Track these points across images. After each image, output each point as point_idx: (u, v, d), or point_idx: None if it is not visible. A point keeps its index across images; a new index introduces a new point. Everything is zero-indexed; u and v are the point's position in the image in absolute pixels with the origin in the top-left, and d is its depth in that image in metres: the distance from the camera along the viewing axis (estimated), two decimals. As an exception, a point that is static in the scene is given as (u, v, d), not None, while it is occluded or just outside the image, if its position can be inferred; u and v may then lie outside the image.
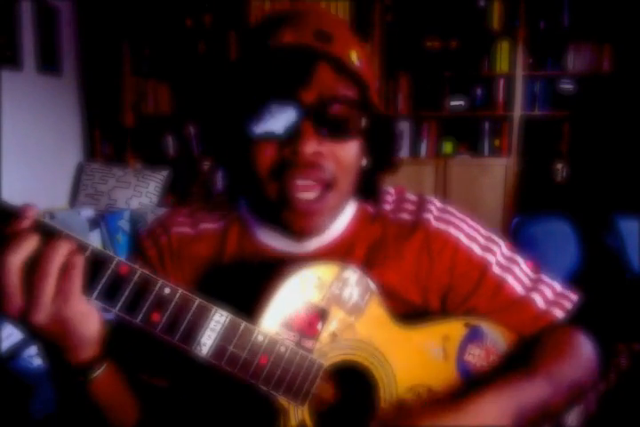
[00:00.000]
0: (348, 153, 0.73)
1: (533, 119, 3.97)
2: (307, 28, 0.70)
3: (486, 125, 4.02)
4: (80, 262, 0.58)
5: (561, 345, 0.79)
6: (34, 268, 0.57)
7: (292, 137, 0.69)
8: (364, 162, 0.78)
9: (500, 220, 3.83)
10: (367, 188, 0.81)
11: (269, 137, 0.70)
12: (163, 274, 0.79)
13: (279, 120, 0.69)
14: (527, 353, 0.78)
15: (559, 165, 3.99)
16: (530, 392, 0.71)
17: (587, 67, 3.91)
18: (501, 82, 3.96)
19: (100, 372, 0.66)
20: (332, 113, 0.69)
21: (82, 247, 0.59)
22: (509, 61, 3.90)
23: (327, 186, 0.72)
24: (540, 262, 0.87)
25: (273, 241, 0.81)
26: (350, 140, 0.73)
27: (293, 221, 0.73)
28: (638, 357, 1.40)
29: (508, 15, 3.85)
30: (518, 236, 2.81)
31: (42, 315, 0.58)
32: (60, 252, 0.57)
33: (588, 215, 2.97)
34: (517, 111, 3.93)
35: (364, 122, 0.73)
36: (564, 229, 2.85)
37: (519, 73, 3.89)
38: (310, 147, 0.68)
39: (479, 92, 4.00)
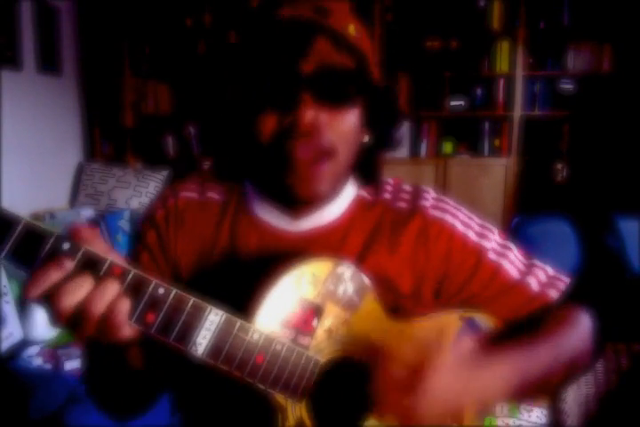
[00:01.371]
0: (347, 122, 0.74)
1: (533, 119, 3.96)
2: (305, 3, 0.72)
3: (486, 125, 4.02)
4: (125, 309, 0.60)
5: (561, 319, 0.80)
6: (80, 308, 0.59)
7: (292, 106, 0.70)
8: (366, 138, 0.79)
9: (500, 220, 3.83)
10: (367, 167, 0.82)
11: (270, 107, 0.71)
12: (166, 234, 0.83)
13: (279, 91, 0.70)
14: (530, 325, 0.79)
15: (559, 165, 3.99)
16: (535, 358, 0.72)
17: (587, 67, 3.91)
18: (501, 82, 3.95)
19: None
20: (329, 82, 0.71)
21: (74, 249, 0.59)
22: (509, 61, 3.90)
23: (326, 155, 0.73)
24: (537, 259, 0.88)
25: (270, 217, 0.82)
26: (349, 110, 0.74)
27: (295, 185, 0.73)
28: (638, 357, 1.40)
29: (508, 15, 3.85)
30: (518, 236, 2.81)
31: (90, 338, 0.62)
32: (105, 298, 0.59)
33: (588, 215, 2.97)
34: (517, 111, 3.93)
35: (361, 91, 0.74)
36: (564, 229, 2.85)
37: (519, 73, 3.88)
38: (309, 115, 0.70)
39: (479, 92, 4.00)
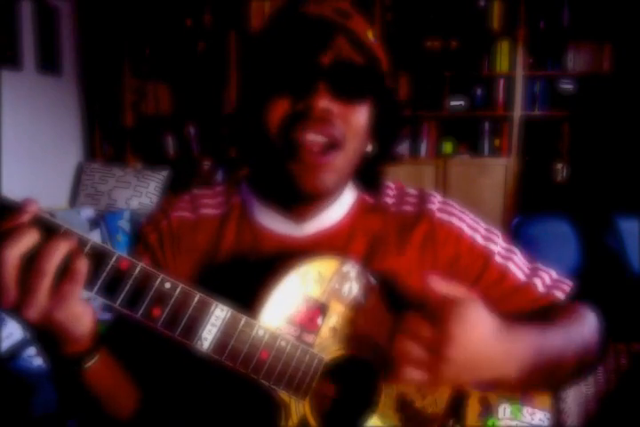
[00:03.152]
0: (358, 117, 0.75)
1: (533, 119, 3.96)
2: (328, 5, 0.76)
3: (486, 125, 4.02)
4: (83, 267, 0.58)
5: (570, 312, 0.81)
6: (31, 264, 0.56)
7: (307, 94, 0.72)
8: (370, 148, 0.80)
9: (500, 220, 3.83)
10: (369, 176, 0.83)
11: (285, 92, 0.73)
12: (163, 258, 0.81)
13: (297, 78, 0.72)
14: (540, 315, 0.80)
15: (559, 165, 3.99)
16: (549, 339, 0.73)
17: (587, 67, 3.92)
18: (501, 82, 3.96)
19: (92, 362, 0.67)
20: (345, 76, 0.73)
21: (82, 242, 0.59)
22: (509, 61, 3.90)
23: (335, 144, 0.74)
24: (540, 263, 0.89)
25: (272, 223, 0.82)
26: (360, 105, 0.75)
27: (301, 174, 0.73)
28: (638, 357, 1.40)
29: (508, 15, 3.85)
30: (518, 236, 2.81)
31: (34, 312, 0.57)
32: (60, 251, 0.57)
33: (588, 215, 2.96)
34: (517, 111, 3.93)
35: (373, 91, 0.76)
36: (564, 229, 2.85)
37: (519, 73, 3.89)
38: (323, 102, 0.72)
39: (479, 92, 4.00)
